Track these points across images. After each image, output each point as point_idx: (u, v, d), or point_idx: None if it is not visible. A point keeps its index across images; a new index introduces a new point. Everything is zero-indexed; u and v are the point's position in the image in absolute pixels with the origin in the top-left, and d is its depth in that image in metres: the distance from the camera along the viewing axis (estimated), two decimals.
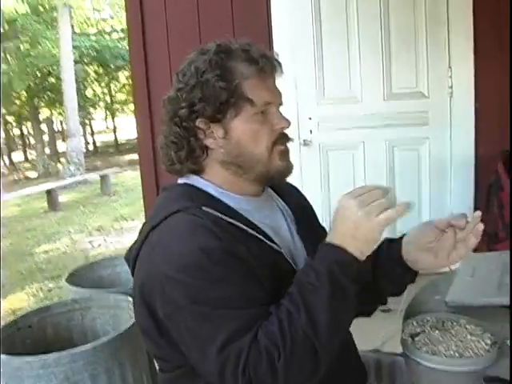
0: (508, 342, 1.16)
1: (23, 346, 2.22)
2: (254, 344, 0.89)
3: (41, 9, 14.22)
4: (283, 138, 1.13)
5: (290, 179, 1.23)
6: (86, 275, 2.87)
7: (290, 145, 1.17)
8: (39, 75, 15.98)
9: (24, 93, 17.11)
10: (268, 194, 1.23)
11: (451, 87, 2.97)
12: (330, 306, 0.92)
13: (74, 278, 2.76)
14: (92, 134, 27.05)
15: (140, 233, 1.09)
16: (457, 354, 1.10)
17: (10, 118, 21.63)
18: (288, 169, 1.15)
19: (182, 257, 0.95)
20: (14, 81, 14.77)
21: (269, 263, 1.04)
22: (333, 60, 3.11)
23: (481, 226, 1.09)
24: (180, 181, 1.16)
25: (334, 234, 0.98)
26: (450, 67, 2.95)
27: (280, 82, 1.16)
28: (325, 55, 3.11)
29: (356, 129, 3.16)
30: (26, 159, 23.16)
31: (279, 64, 1.15)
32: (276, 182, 1.21)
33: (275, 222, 1.18)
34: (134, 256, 1.07)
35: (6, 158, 23.87)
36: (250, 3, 3.12)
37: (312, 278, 0.94)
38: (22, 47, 14.86)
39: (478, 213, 1.12)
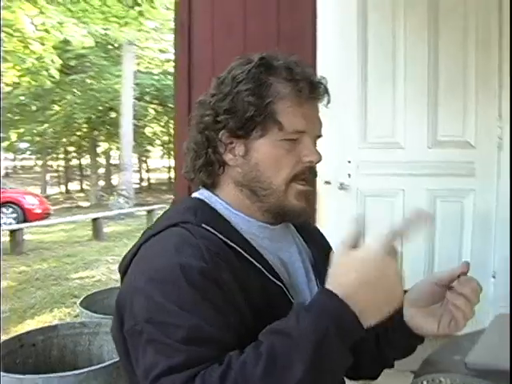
0: None
1: (24, 365, 2.15)
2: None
3: (108, 46, 14.89)
4: (306, 174, 1.01)
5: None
6: (102, 301, 2.81)
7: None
8: (101, 109, 16.59)
9: (85, 125, 17.79)
10: (287, 226, 1.11)
11: (501, 138, 2.79)
12: (304, 372, 0.73)
13: (90, 303, 2.70)
14: (147, 170, 27.77)
15: (136, 243, 1.01)
16: None
17: (70, 149, 22.52)
18: (303, 212, 1.03)
19: (159, 271, 0.88)
20: (76, 112, 15.39)
21: (263, 296, 0.94)
22: (377, 103, 3.01)
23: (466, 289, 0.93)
24: (193, 195, 1.08)
25: (347, 281, 0.78)
26: (499, 116, 2.79)
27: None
28: (369, 97, 3.00)
29: (397, 176, 3.01)
30: (82, 189, 23.95)
31: (326, 91, 1.04)
32: (289, 221, 1.09)
33: (288, 257, 1.07)
34: (124, 267, 0.99)
35: (62, 186, 24.81)
36: (296, 42, 3.09)
37: (294, 329, 0.76)
38: (87, 81, 15.52)
39: (464, 266, 0.96)
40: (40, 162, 23.86)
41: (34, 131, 17.64)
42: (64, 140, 20.04)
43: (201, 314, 0.83)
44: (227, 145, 1.00)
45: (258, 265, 0.96)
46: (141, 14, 6.99)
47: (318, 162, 1.02)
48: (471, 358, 1.19)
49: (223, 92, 0.99)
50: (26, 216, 11.47)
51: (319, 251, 1.14)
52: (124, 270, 0.99)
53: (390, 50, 2.94)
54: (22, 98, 15.27)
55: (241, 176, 1.01)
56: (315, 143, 1.03)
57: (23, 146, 22.84)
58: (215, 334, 0.82)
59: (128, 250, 1.02)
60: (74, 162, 25.69)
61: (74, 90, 15.96)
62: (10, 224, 10.49)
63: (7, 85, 12.61)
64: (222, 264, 0.90)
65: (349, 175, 3.07)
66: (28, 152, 23.73)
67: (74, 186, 25.07)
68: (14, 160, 31.38)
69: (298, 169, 1.00)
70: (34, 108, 16.13)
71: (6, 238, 8.19)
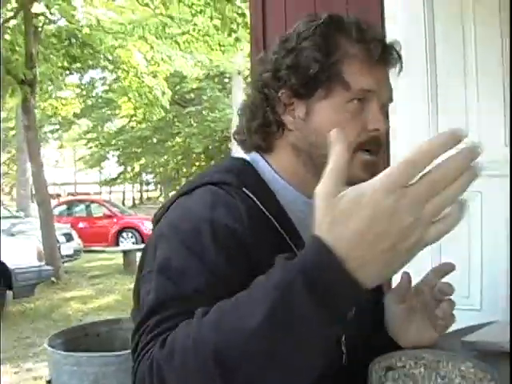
0: None
1: (87, 352, 2.28)
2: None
3: (220, 76, 15.58)
4: (372, 145, 0.92)
5: None
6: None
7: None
8: (217, 139, 17.31)
9: (203, 155, 18.64)
10: None
11: None
12: (260, 323, 0.57)
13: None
14: None
15: (166, 202, 0.96)
16: None
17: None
18: None
19: (187, 221, 0.83)
20: (193, 143, 16.20)
21: None
22: (448, 99, 2.84)
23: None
24: (241, 155, 1.01)
25: (334, 227, 0.56)
26: None
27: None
28: (439, 93, 2.86)
29: None
30: None
31: (398, 56, 0.96)
32: None
33: None
34: (155, 223, 0.92)
35: None
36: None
37: (263, 280, 0.61)
38: (203, 112, 16.32)
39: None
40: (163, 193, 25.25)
41: (155, 163, 18.80)
42: (184, 170, 21.11)
43: (219, 274, 0.77)
44: (287, 106, 0.92)
45: (292, 245, 0.86)
46: (237, 39, 7.25)
47: (383, 130, 0.93)
48: (471, 337, 1.06)
49: (286, 48, 0.92)
50: (144, 240, 12.14)
51: None
52: (155, 224, 0.93)
53: (459, 43, 2.79)
54: (143, 132, 16.36)
55: (299, 140, 0.93)
56: (383, 111, 0.94)
57: (148, 177, 24.40)
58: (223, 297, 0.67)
59: (159, 208, 0.96)
60: None
61: (191, 122, 16.85)
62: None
63: (126, 116, 13.64)
64: (257, 229, 0.83)
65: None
66: (151, 183, 25.19)
67: None
68: (140, 191, 33.50)
69: (363, 137, 0.91)
70: (154, 140, 17.24)
71: (120, 260, 8.77)
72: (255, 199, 0.87)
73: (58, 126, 19.28)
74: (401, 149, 2.97)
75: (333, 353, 0.88)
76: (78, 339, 2.28)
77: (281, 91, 0.92)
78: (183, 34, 8.35)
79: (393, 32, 2.95)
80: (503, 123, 2.72)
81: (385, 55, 0.93)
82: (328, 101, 0.90)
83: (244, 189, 0.88)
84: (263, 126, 0.95)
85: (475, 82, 2.77)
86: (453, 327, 1.02)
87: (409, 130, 2.92)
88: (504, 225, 2.74)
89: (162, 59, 8.77)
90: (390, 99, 0.96)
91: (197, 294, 0.74)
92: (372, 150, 0.92)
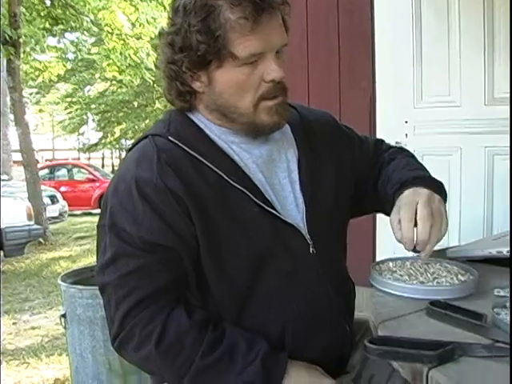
0: (496, 291, 1.07)
1: None
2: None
3: None
4: (274, 91, 1.02)
5: None
6: None
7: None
8: None
9: None
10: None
11: None
12: None
13: None
14: None
15: None
16: (419, 283, 1.05)
17: None
18: (275, 126, 1.06)
19: (122, 181, 1.00)
20: None
21: (220, 202, 0.99)
22: (432, 62, 3.03)
23: None
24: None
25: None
26: None
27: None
28: (424, 57, 3.04)
29: (453, 134, 3.02)
30: None
31: None
32: (263, 135, 1.09)
33: (267, 156, 1.09)
34: None
35: None
36: (353, 8, 3.20)
37: (243, 357, 0.96)
38: None
39: None
40: None
41: (136, 128, 18.67)
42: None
43: (148, 224, 0.96)
44: (192, 75, 1.02)
45: (218, 171, 1.00)
46: None
47: (279, 78, 1.01)
48: (453, 248, 1.27)
49: (176, 24, 1.00)
50: None
51: (308, 146, 1.15)
52: None
53: (444, 9, 2.95)
54: (125, 96, 16.15)
55: (210, 102, 1.05)
56: (279, 56, 1.02)
57: (128, 143, 24.10)
58: (159, 241, 0.96)
59: None
60: None
61: None
62: None
63: (107, 79, 13.46)
64: (171, 173, 0.97)
65: (406, 135, 3.12)
66: None
67: None
68: (119, 158, 33.06)
69: (263, 89, 1.01)
70: (135, 105, 17.08)
71: None
72: (180, 144, 1.00)
73: (36, 90, 18.90)
74: (386, 106, 3.17)
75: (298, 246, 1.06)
76: (87, 279, 2.39)
77: (182, 66, 1.02)
78: None
79: (381, 4, 3.13)
80: (483, 84, 2.93)
81: (264, 8, 0.95)
82: (222, 69, 0.99)
83: (170, 137, 1.01)
84: (179, 96, 1.06)
85: (458, 44, 2.95)
86: None
87: (394, 94, 3.11)
88: (481, 176, 2.98)
89: (147, 21, 8.73)
90: (283, 42, 1.02)
91: (139, 250, 0.95)
92: (275, 96, 1.02)
